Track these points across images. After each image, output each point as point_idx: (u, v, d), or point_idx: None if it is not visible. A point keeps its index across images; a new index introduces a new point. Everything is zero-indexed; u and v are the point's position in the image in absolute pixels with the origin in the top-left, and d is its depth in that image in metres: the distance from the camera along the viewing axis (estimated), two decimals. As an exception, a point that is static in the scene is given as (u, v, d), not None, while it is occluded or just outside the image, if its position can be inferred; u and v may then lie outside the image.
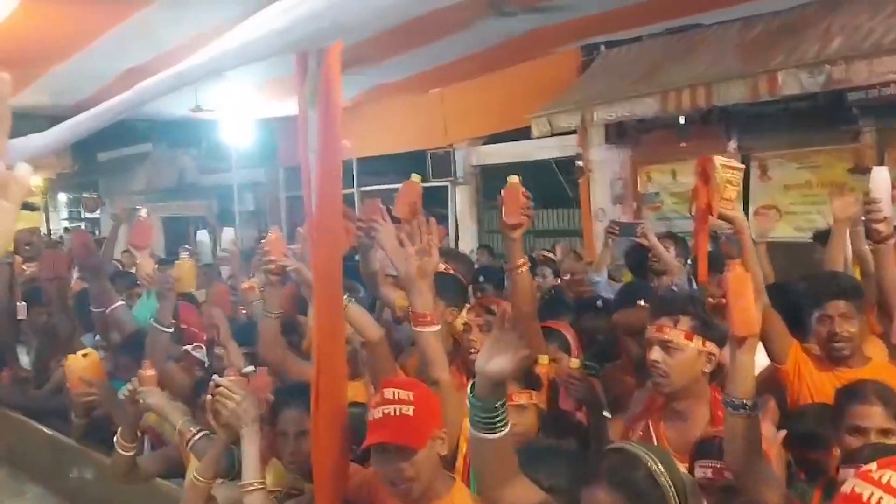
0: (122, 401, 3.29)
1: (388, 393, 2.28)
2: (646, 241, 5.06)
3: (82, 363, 3.73)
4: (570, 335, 3.70)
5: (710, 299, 2.39)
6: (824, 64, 6.45)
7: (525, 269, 3.11)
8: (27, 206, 5.84)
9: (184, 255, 4.27)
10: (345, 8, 2.07)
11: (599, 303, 4.56)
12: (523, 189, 3.11)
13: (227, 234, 5.30)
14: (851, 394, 2.57)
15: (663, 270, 4.95)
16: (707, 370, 2.53)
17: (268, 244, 3.03)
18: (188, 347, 3.76)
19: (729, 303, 2.17)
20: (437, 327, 2.63)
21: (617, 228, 5.64)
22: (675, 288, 4.88)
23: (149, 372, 3.11)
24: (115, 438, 3.22)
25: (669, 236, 5.50)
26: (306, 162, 2.31)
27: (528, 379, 2.83)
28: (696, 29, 8.12)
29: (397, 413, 2.22)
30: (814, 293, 3.32)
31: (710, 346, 2.51)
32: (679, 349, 2.50)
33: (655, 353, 2.54)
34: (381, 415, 2.25)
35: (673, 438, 2.55)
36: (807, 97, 7.10)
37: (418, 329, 2.58)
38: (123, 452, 3.19)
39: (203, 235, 5.20)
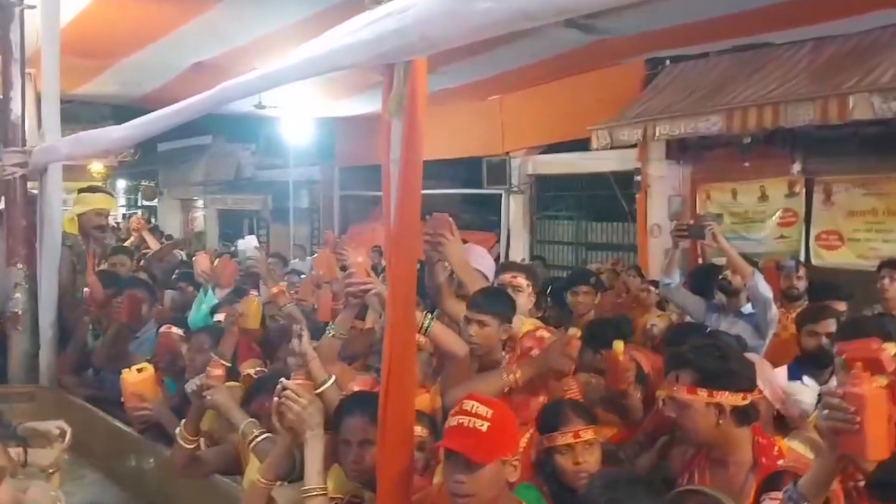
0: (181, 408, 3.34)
1: (468, 405, 2.29)
2: (714, 243, 4.91)
3: (135, 378, 3.76)
4: (650, 366, 3.53)
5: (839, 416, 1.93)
6: (900, 90, 6.30)
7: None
8: (95, 189, 5.94)
9: (253, 291, 4.23)
10: (433, 24, 2.07)
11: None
12: (622, 356, 3.15)
13: (250, 241, 5.20)
14: None
15: (735, 290, 4.83)
16: (722, 421, 2.37)
17: (353, 265, 3.05)
18: (251, 371, 3.79)
19: (865, 423, 1.87)
20: None
21: (686, 229, 5.42)
22: (742, 311, 4.77)
23: (217, 370, 3.16)
24: (177, 430, 3.27)
25: None
26: (387, 171, 2.32)
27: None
28: (766, 48, 7.98)
29: (470, 425, 2.23)
30: None
31: (720, 396, 2.36)
32: (685, 405, 2.40)
33: (668, 409, 2.50)
34: (455, 423, 2.27)
35: (717, 486, 2.47)
36: (876, 122, 6.93)
37: None
38: (186, 445, 3.21)
39: (244, 244, 5.08)
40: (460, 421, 2.25)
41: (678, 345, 3.76)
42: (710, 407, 2.37)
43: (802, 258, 8.01)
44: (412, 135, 2.26)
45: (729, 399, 2.37)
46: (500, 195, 11.90)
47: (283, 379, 2.61)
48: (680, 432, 2.57)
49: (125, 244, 7.95)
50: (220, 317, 4.51)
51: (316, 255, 6.86)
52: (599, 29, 7.75)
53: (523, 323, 3.75)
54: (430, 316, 2.87)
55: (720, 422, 2.38)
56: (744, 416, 2.41)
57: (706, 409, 2.38)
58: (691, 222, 6.03)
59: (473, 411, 2.25)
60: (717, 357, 2.44)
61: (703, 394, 2.37)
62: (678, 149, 9.23)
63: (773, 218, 8.51)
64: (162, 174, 20.08)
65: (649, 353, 3.86)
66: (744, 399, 2.39)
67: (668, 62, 9.05)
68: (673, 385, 2.45)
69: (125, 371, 3.82)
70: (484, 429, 2.22)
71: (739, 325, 4.60)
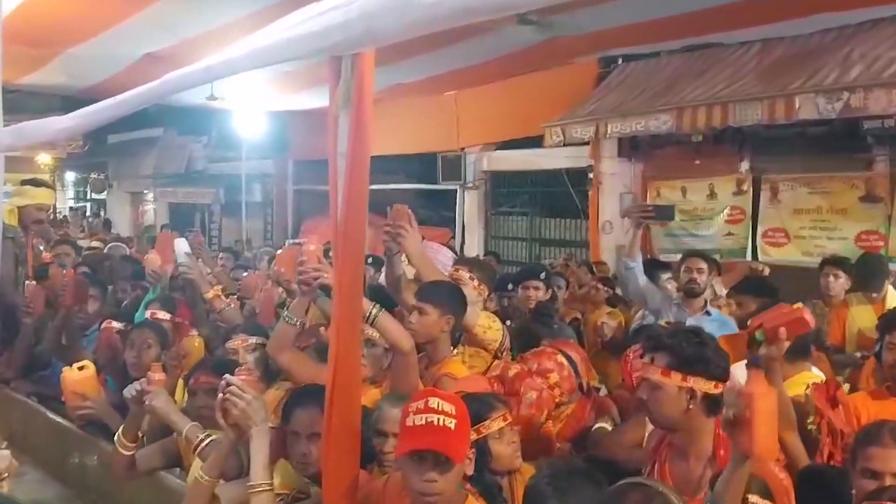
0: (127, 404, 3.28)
1: (433, 402, 2.24)
2: None
3: (77, 376, 3.67)
4: (578, 357, 3.58)
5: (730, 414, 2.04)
6: (842, 91, 6.45)
7: None
8: (38, 183, 5.81)
9: (193, 332, 4.17)
10: (378, 18, 2.06)
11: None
12: None
13: (181, 245, 4.98)
14: (868, 435, 2.48)
15: (701, 291, 4.85)
16: (693, 406, 2.38)
17: (305, 254, 3.02)
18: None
19: (753, 423, 1.97)
20: None
21: (651, 210, 5.26)
22: (708, 311, 4.80)
23: (157, 375, 3.06)
24: (115, 437, 3.15)
25: (699, 255, 5.28)
26: (334, 165, 2.31)
27: None
28: (715, 48, 8.12)
29: (440, 423, 2.19)
30: (884, 323, 3.36)
31: (694, 382, 2.36)
32: (657, 387, 2.39)
33: (641, 391, 2.49)
34: (423, 422, 2.20)
35: (676, 477, 2.50)
36: (822, 122, 7.09)
37: None
38: (124, 452, 3.11)
39: (181, 245, 4.87)
40: (429, 419, 2.20)
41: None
42: (683, 391, 2.37)
43: (749, 255, 8.19)
44: (359, 128, 2.25)
45: (702, 385, 2.37)
46: (456, 191, 11.91)
47: (227, 375, 2.57)
48: (648, 415, 2.57)
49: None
50: (148, 313, 4.45)
51: (280, 251, 6.69)
52: (553, 27, 7.81)
53: (478, 315, 3.78)
54: (377, 305, 2.86)
55: (690, 407, 2.38)
56: (713, 404, 2.40)
57: (678, 393, 2.38)
58: (657, 203, 5.94)
59: (440, 409, 2.21)
60: (695, 343, 2.44)
61: (676, 377, 2.37)
62: (630, 146, 9.36)
63: (722, 215, 8.67)
64: (112, 166, 19.68)
65: (573, 344, 3.87)
66: (716, 387, 2.39)
67: (620, 61, 9.16)
68: (647, 367, 2.44)
69: (66, 369, 3.74)
70: (453, 426, 2.20)
71: (706, 322, 4.55)
